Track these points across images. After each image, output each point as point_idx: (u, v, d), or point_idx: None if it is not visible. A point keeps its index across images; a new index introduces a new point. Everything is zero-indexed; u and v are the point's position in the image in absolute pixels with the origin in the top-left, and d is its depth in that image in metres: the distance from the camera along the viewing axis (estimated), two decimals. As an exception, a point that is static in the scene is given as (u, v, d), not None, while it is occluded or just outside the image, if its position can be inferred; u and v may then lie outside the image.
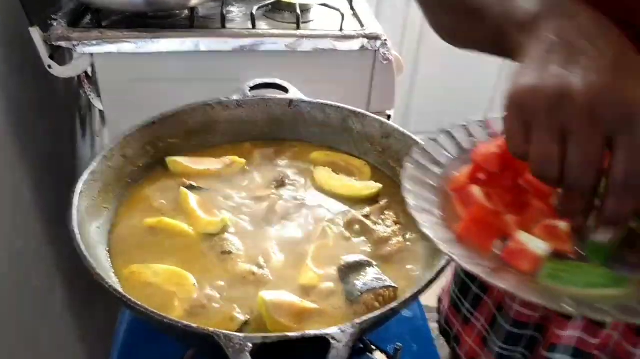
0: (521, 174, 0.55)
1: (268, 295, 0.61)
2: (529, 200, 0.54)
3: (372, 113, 0.87)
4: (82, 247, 0.59)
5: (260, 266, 0.68)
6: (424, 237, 0.48)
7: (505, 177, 0.55)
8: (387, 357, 0.72)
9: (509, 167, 0.55)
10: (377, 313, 0.54)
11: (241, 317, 0.61)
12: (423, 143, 0.61)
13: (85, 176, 0.68)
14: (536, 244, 0.48)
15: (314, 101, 0.88)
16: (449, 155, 0.61)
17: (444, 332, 1.00)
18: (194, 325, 0.51)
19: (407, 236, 0.74)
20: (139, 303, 0.53)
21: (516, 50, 0.47)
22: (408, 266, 0.70)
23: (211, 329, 0.51)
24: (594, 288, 0.47)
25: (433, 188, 0.56)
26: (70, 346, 1.13)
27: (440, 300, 1.04)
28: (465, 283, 0.91)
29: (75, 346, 1.15)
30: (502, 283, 0.44)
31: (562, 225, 0.49)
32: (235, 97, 0.87)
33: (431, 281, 0.58)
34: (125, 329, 0.76)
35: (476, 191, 0.53)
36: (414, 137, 0.81)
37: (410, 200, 0.52)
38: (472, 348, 0.92)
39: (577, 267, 0.49)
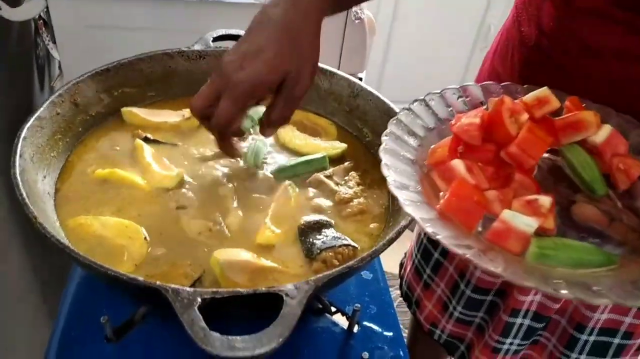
0: (503, 147, 0.52)
1: (222, 254, 0.59)
2: (511, 173, 0.52)
3: (343, 74, 0.84)
4: (24, 194, 0.55)
5: (216, 223, 0.65)
6: (407, 214, 0.46)
7: (487, 150, 0.53)
8: (346, 318, 0.71)
9: (490, 140, 0.53)
10: (333, 270, 0.53)
11: (194, 274, 0.59)
12: (398, 113, 0.58)
13: (30, 122, 0.64)
14: (523, 221, 0.45)
15: (280, 55, 0.84)
16: (426, 125, 0.58)
17: (405, 296, 1.00)
18: (140, 278, 0.49)
19: (369, 197, 0.73)
20: (82, 254, 0.50)
21: None
22: (369, 227, 0.69)
23: (158, 283, 0.48)
24: (585, 267, 0.45)
25: (411, 162, 0.54)
26: (28, 300, 1.09)
27: (402, 265, 1.04)
28: (427, 248, 0.91)
29: (34, 300, 1.12)
30: (493, 266, 0.41)
31: (544, 200, 0.47)
32: (197, 48, 0.83)
33: (390, 241, 0.57)
34: (76, 284, 0.73)
35: (458, 164, 0.51)
36: (382, 97, 0.79)
37: (390, 177, 0.49)
38: (432, 312, 0.92)
39: (566, 245, 0.47)
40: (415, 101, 0.60)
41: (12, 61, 1.15)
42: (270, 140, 0.81)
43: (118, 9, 1.01)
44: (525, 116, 0.54)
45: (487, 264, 0.41)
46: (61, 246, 0.51)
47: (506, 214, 0.46)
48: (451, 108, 0.62)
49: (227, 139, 0.70)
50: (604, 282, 0.42)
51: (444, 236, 0.44)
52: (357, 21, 1.09)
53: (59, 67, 1.27)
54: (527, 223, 0.45)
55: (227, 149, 0.71)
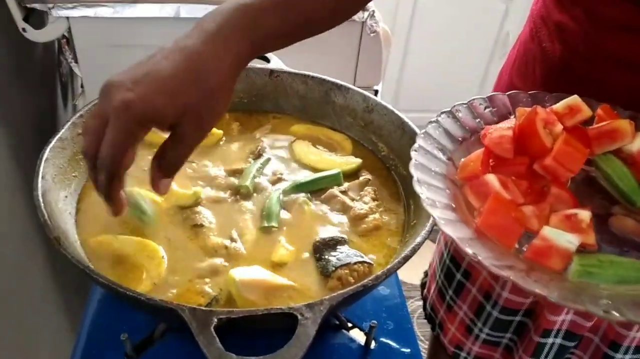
0: (537, 159, 0.51)
1: (238, 273, 0.59)
2: (545, 187, 0.50)
3: (359, 88, 0.84)
4: (46, 216, 0.57)
5: (233, 240, 0.66)
6: (444, 234, 0.45)
7: (519, 163, 0.52)
8: (363, 334, 0.71)
9: (523, 152, 0.51)
10: (348, 289, 0.53)
11: (211, 292, 0.60)
12: (426, 126, 0.56)
13: (52, 143, 0.66)
14: (565, 239, 0.44)
15: (296, 71, 0.85)
16: (454, 138, 0.57)
17: (429, 319, 0.99)
18: (157, 298, 0.50)
19: (385, 212, 0.73)
20: (102, 274, 0.51)
21: None
22: (385, 242, 0.69)
23: (175, 303, 0.49)
24: (628, 283, 0.44)
25: (442, 177, 0.52)
26: (52, 314, 1.12)
27: (424, 285, 1.03)
28: (450, 269, 0.89)
29: (57, 315, 1.14)
30: (539, 288, 0.40)
31: (583, 214, 0.46)
32: (213, 66, 0.84)
33: (406, 258, 0.56)
34: (97, 301, 0.74)
35: (492, 179, 0.49)
36: (396, 112, 0.79)
37: (424, 194, 0.47)
38: (455, 335, 0.91)
39: (610, 261, 0.45)
40: (442, 113, 0.58)
41: (36, 78, 1.19)
42: (286, 155, 0.82)
43: (137, 29, 1.04)
44: (559, 127, 0.52)
45: (532, 287, 0.40)
46: (82, 266, 0.52)
47: (547, 231, 0.45)
48: (479, 119, 0.60)
49: (115, 189, 0.52)
50: None
51: (484, 257, 0.42)
52: (372, 34, 1.10)
53: (81, 85, 1.31)
54: (569, 240, 0.44)
55: (113, 202, 0.53)
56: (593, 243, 0.46)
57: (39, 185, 0.60)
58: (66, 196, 0.67)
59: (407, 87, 2.35)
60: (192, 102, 0.49)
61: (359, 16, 1.07)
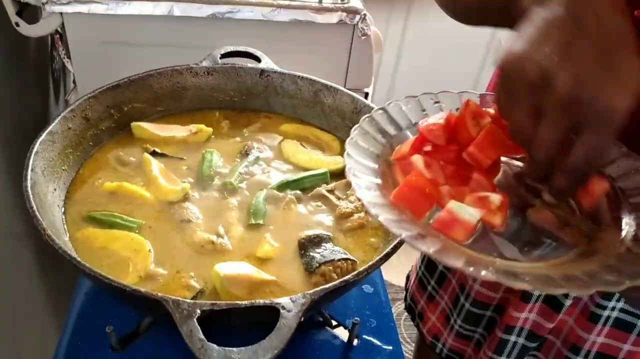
0: (465, 148, 0.54)
1: (223, 268, 0.60)
2: (471, 174, 0.53)
3: (349, 90, 0.86)
4: (34, 207, 0.57)
5: (219, 236, 0.67)
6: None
7: (450, 150, 0.55)
8: (346, 331, 0.72)
9: (454, 141, 0.55)
10: (330, 284, 0.54)
11: (197, 285, 0.61)
12: (372, 111, 0.59)
13: (42, 136, 0.67)
14: (467, 212, 0.47)
15: (286, 71, 0.87)
16: (397, 126, 0.60)
17: (409, 308, 1.01)
18: (142, 290, 0.51)
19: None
20: (88, 266, 0.52)
21: (521, 16, 0.45)
22: (369, 241, 0.70)
23: (159, 294, 0.50)
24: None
25: (376, 156, 0.55)
26: (38, 311, 1.12)
27: (408, 277, 1.05)
28: (431, 261, 0.91)
29: (43, 310, 1.14)
30: (425, 246, 0.43)
31: (495, 197, 0.49)
32: (205, 64, 0.85)
33: (387, 255, 0.58)
34: (83, 294, 0.75)
35: (417, 159, 0.52)
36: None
37: (349, 164, 0.51)
38: (435, 325, 0.93)
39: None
40: (391, 102, 0.61)
41: (29, 73, 1.19)
42: (274, 153, 0.83)
43: (131, 26, 1.04)
44: (487, 120, 0.55)
45: (420, 245, 0.43)
46: (68, 257, 0.53)
47: (452, 205, 0.48)
48: (426, 111, 0.63)
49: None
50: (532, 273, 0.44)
51: (385, 218, 0.45)
52: (363, 37, 1.11)
53: (73, 81, 1.31)
54: (470, 213, 0.47)
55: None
56: (499, 224, 0.49)
57: (29, 177, 0.61)
58: (55, 189, 0.68)
59: (400, 91, 2.37)
60: None
61: (351, 19, 1.08)
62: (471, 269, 0.41)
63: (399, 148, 0.56)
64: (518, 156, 0.57)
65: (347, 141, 0.53)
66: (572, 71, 0.39)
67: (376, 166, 0.54)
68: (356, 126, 0.56)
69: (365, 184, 0.50)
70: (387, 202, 0.49)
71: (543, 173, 0.45)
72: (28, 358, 1.06)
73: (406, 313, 1.03)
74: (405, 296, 1.04)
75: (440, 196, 0.50)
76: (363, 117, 0.58)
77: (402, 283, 1.07)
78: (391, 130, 0.58)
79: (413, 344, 1.18)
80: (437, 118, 0.55)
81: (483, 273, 0.41)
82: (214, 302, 0.50)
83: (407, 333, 1.72)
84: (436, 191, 0.50)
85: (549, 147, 0.42)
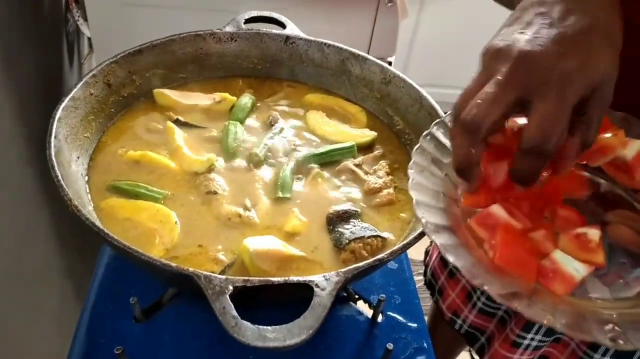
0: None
1: (252, 243, 0.58)
2: (546, 205, 0.50)
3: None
4: (59, 176, 0.56)
5: (247, 209, 0.65)
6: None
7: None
8: (370, 307, 0.71)
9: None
10: (364, 263, 0.53)
11: (225, 259, 0.60)
12: (420, 139, 0.54)
13: (65, 102, 0.64)
14: (573, 265, 0.43)
15: (313, 39, 0.83)
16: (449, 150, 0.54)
17: (429, 284, 1.00)
18: (173, 264, 0.49)
19: (399, 187, 0.72)
20: (117, 238, 0.51)
21: None
22: (398, 218, 0.68)
23: (191, 269, 0.49)
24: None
25: (441, 195, 0.50)
26: (55, 280, 1.12)
27: (427, 252, 1.04)
28: (453, 238, 0.90)
29: (61, 281, 1.14)
30: (545, 318, 0.39)
31: (593, 233, 0.45)
32: (228, 29, 0.82)
33: (421, 234, 0.56)
34: (105, 265, 0.74)
35: (498, 211, 0.47)
36: (415, 85, 0.78)
37: (425, 218, 0.46)
38: (455, 301, 0.92)
39: None
40: (435, 124, 0.56)
41: (43, 37, 1.16)
42: (300, 124, 0.80)
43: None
44: None
45: (539, 317, 0.39)
46: (96, 229, 0.51)
47: (557, 255, 0.44)
48: None
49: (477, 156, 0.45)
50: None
51: (491, 287, 0.41)
52: (389, 4, 1.07)
53: (90, 44, 1.28)
54: (576, 268, 0.43)
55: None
56: (602, 262, 0.45)
57: (52, 144, 0.59)
58: (78, 157, 0.66)
59: (417, 61, 2.32)
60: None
61: (377, -15, 1.04)
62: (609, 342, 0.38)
63: (467, 196, 0.51)
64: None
65: (409, 184, 0.49)
66: (526, 42, 0.42)
67: (444, 209, 0.49)
68: (411, 162, 0.51)
69: (449, 242, 0.45)
70: (474, 260, 0.44)
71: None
72: (46, 324, 1.06)
73: (420, 285, 1.02)
74: (425, 271, 1.03)
75: (539, 245, 0.46)
76: (415, 150, 0.53)
77: (417, 257, 1.06)
78: (444, 158, 0.54)
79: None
80: (494, 161, 0.50)
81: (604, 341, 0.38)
82: (246, 279, 0.48)
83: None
84: (533, 242, 0.46)
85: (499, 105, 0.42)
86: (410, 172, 0.51)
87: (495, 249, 0.45)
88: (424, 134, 0.55)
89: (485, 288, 0.41)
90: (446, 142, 0.55)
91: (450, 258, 0.43)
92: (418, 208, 0.47)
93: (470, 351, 0.97)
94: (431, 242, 1.04)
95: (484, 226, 0.48)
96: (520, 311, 0.39)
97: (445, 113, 0.62)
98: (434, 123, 0.55)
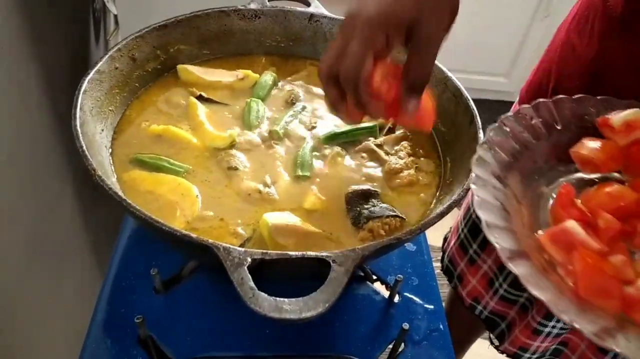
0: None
1: (271, 217, 0.59)
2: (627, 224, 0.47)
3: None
4: (84, 147, 0.57)
5: (266, 185, 0.66)
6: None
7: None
8: (387, 287, 0.72)
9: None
10: (381, 240, 0.52)
11: (244, 233, 0.60)
12: (478, 147, 0.52)
13: (90, 74, 0.65)
14: None
15: (337, 17, 0.82)
16: (506, 159, 0.53)
17: (446, 270, 1.00)
18: (193, 235, 0.50)
19: (420, 168, 0.71)
20: (139, 208, 0.51)
21: None
22: (418, 199, 0.68)
23: (210, 240, 0.49)
24: None
25: (505, 212, 0.47)
26: (78, 250, 1.14)
27: (446, 239, 1.03)
28: (475, 224, 0.89)
29: (83, 252, 1.17)
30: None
31: None
32: (253, 6, 0.82)
33: (441, 214, 0.56)
34: (127, 238, 0.75)
35: (574, 227, 0.45)
36: (441, 66, 0.76)
37: (499, 244, 0.43)
38: (475, 288, 0.91)
39: None
40: (491, 129, 0.54)
41: (69, 13, 1.17)
42: (321, 103, 0.80)
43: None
44: None
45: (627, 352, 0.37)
46: (118, 199, 0.52)
47: None
48: (526, 133, 0.57)
49: (361, 99, 0.52)
50: None
51: (583, 326, 0.39)
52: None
53: (115, 21, 1.29)
54: None
55: (354, 112, 0.55)
56: None
57: (77, 116, 0.60)
58: (102, 130, 0.67)
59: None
60: (425, 5, 0.49)
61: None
62: None
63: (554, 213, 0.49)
64: None
65: (475, 204, 0.47)
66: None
67: (511, 228, 0.47)
68: (472, 176, 0.49)
69: (529, 273, 0.42)
70: (559, 291, 0.42)
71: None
72: (69, 292, 1.09)
73: (437, 272, 1.02)
74: (443, 257, 1.02)
75: (620, 272, 0.44)
76: (473, 159, 0.51)
77: (438, 244, 1.06)
78: (501, 171, 0.52)
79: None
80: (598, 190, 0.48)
81: None
82: (264, 251, 0.49)
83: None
84: (614, 268, 0.44)
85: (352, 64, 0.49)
86: (473, 188, 0.48)
87: (576, 278, 0.43)
88: (480, 142, 0.53)
89: (577, 326, 0.39)
90: (500, 148, 0.53)
91: (534, 291, 0.41)
92: (490, 232, 0.44)
93: (489, 337, 0.96)
94: (450, 228, 1.03)
95: (558, 244, 0.46)
96: (619, 353, 0.38)
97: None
98: (490, 127, 0.54)
